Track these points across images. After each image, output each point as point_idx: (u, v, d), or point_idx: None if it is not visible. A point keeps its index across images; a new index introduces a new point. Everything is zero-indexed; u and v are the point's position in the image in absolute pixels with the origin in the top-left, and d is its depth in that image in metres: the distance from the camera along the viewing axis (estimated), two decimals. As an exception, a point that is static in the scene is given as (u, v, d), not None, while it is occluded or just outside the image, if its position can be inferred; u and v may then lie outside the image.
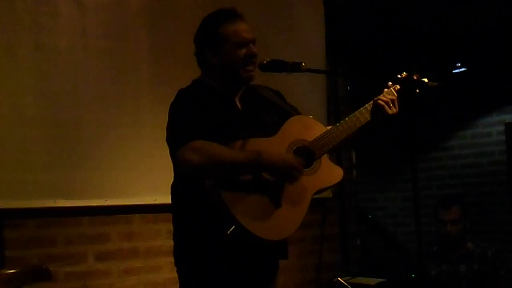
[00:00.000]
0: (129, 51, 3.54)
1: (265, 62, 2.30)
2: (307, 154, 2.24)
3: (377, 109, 2.34)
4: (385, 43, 5.07)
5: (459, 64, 5.67)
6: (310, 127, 2.32)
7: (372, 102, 2.36)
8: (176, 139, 2.13)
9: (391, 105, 2.33)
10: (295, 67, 2.27)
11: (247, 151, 2.12)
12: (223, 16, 2.31)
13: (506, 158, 5.93)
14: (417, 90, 2.39)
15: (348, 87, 4.88)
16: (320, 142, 2.26)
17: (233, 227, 2.03)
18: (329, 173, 2.29)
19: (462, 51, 5.41)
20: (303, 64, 2.26)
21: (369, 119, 2.34)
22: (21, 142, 3.16)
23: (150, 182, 3.40)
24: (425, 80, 2.39)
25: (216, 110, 2.20)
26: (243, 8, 3.98)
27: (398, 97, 2.39)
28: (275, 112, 2.35)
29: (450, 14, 4.67)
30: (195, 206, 2.16)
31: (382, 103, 2.33)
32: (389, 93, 2.38)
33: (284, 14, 4.29)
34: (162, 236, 3.51)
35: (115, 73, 3.48)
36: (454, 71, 5.73)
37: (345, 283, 4.18)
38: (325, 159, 2.29)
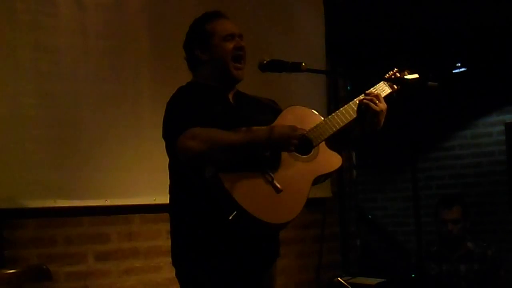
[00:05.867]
0: (129, 51, 3.53)
1: (265, 62, 2.30)
2: (305, 142, 2.26)
3: (364, 109, 2.34)
4: (385, 43, 5.08)
5: (459, 64, 5.67)
6: (307, 117, 2.35)
7: (357, 101, 2.38)
8: (173, 131, 2.14)
9: (377, 101, 2.33)
10: (295, 67, 2.27)
11: (243, 131, 2.13)
12: (209, 16, 2.38)
13: (506, 158, 5.95)
14: (397, 87, 2.45)
15: (348, 87, 4.88)
16: (317, 131, 2.29)
17: (235, 212, 2.03)
18: (328, 159, 2.31)
19: (462, 51, 5.41)
20: (303, 64, 2.26)
21: (354, 116, 2.36)
22: (21, 142, 3.15)
23: (150, 182, 3.40)
24: (414, 76, 2.43)
25: (211, 104, 2.24)
26: (243, 8, 4.01)
27: (393, 92, 2.43)
28: (269, 112, 2.37)
29: (450, 14, 4.67)
30: (194, 202, 2.17)
31: (366, 101, 2.34)
32: (375, 89, 2.40)
33: (284, 14, 4.29)
34: (162, 236, 3.52)
35: (115, 73, 3.47)
36: (454, 71, 5.74)
37: (345, 283, 4.18)
38: (323, 147, 2.31)
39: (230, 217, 2.03)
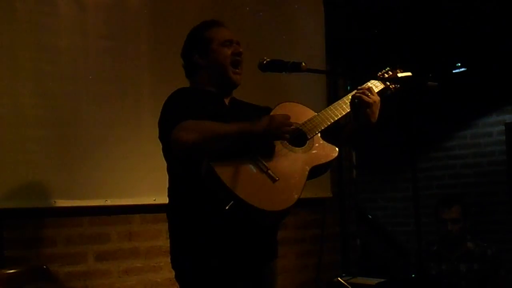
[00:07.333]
0: (129, 51, 3.53)
1: (265, 62, 2.31)
2: (299, 135, 2.28)
3: (357, 102, 2.35)
4: (385, 43, 5.08)
5: (459, 64, 5.67)
6: (300, 112, 2.38)
7: (350, 96, 2.41)
8: (168, 127, 2.16)
9: (369, 93, 2.35)
10: (295, 67, 2.28)
11: (236, 123, 2.16)
12: (207, 24, 2.44)
13: (506, 158, 5.95)
14: (392, 87, 2.47)
15: (348, 87, 4.88)
16: (310, 124, 2.32)
17: (232, 202, 2.04)
18: (324, 150, 2.33)
19: (462, 51, 5.41)
20: (303, 64, 2.27)
21: (348, 110, 2.40)
22: (21, 142, 3.15)
23: (150, 182, 3.40)
24: (407, 74, 2.45)
25: (206, 105, 2.26)
26: (244, 8, 4.00)
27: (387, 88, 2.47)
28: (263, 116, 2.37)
29: (450, 14, 4.67)
30: (192, 203, 2.18)
31: (358, 94, 2.36)
32: (367, 84, 2.44)
33: (284, 14, 4.29)
34: (162, 236, 3.52)
35: (115, 73, 3.47)
36: (454, 71, 5.74)
37: (345, 283, 4.18)
38: (318, 139, 2.33)
39: (227, 207, 2.04)
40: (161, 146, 2.32)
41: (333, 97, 4.58)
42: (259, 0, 4.15)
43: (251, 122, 2.15)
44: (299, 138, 2.27)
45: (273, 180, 2.12)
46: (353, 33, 4.92)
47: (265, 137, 2.16)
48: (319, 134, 2.33)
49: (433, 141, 6.42)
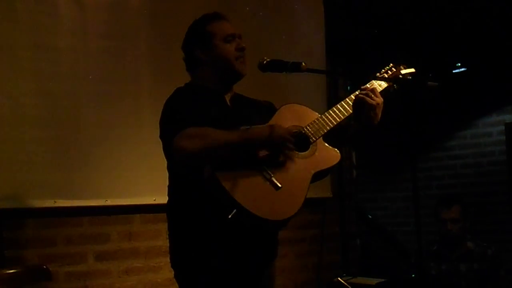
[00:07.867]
0: (129, 51, 3.54)
1: (265, 62, 2.30)
2: (302, 139, 2.26)
3: (360, 103, 2.33)
4: (385, 43, 5.08)
5: (459, 64, 5.68)
6: (304, 114, 2.36)
7: (353, 97, 2.38)
8: (169, 132, 2.15)
9: (372, 95, 2.32)
10: (295, 67, 2.27)
11: (239, 130, 2.14)
12: (208, 17, 2.40)
13: (506, 158, 5.95)
14: (395, 85, 2.44)
15: (348, 87, 4.88)
16: (314, 127, 2.29)
17: (234, 210, 2.03)
18: (327, 155, 2.31)
19: (462, 51, 5.41)
20: (303, 64, 2.26)
21: (351, 111, 2.37)
22: (21, 142, 3.15)
23: (150, 182, 3.40)
24: (411, 70, 2.44)
25: (208, 105, 2.25)
26: (244, 8, 4.01)
27: (390, 87, 2.44)
28: (266, 114, 2.36)
29: (450, 13, 4.67)
30: (193, 203, 2.17)
31: (361, 96, 2.32)
32: (371, 84, 2.40)
33: (284, 14, 4.29)
34: (162, 236, 3.52)
35: (115, 73, 3.48)
36: (454, 71, 5.74)
37: (345, 283, 4.18)
38: (321, 143, 2.31)
39: (230, 216, 2.03)
40: (161, 146, 2.31)
41: (333, 97, 4.59)
42: (259, 0, 4.15)
43: (253, 131, 2.13)
44: (302, 141, 2.25)
45: (276, 187, 2.11)
46: (353, 33, 4.92)
47: (267, 147, 2.15)
48: (321, 137, 2.32)
49: (433, 141, 6.42)
